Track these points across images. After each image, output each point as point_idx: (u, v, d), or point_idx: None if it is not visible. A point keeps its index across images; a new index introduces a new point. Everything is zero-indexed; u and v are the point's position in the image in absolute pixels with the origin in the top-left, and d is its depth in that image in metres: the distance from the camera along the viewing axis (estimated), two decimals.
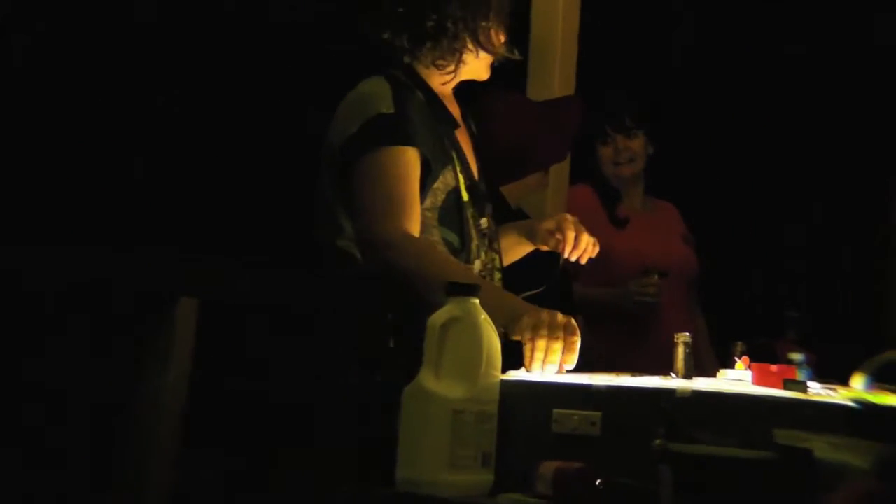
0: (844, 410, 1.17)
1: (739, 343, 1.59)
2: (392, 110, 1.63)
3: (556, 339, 1.45)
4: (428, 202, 1.65)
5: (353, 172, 1.61)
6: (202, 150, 2.60)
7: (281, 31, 2.73)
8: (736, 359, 1.54)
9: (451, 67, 1.71)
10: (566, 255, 1.76)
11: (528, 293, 1.67)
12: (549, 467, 1.29)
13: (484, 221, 1.75)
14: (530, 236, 1.85)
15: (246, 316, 2.18)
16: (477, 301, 1.38)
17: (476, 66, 1.75)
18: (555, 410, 1.35)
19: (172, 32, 2.62)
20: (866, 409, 1.15)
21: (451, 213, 1.67)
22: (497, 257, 1.79)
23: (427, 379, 1.34)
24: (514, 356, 1.49)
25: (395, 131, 1.61)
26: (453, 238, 1.68)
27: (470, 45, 1.70)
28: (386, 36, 1.70)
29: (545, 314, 1.48)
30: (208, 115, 2.64)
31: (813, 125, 3.11)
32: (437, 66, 1.71)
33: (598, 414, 1.32)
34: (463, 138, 1.78)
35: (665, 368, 1.53)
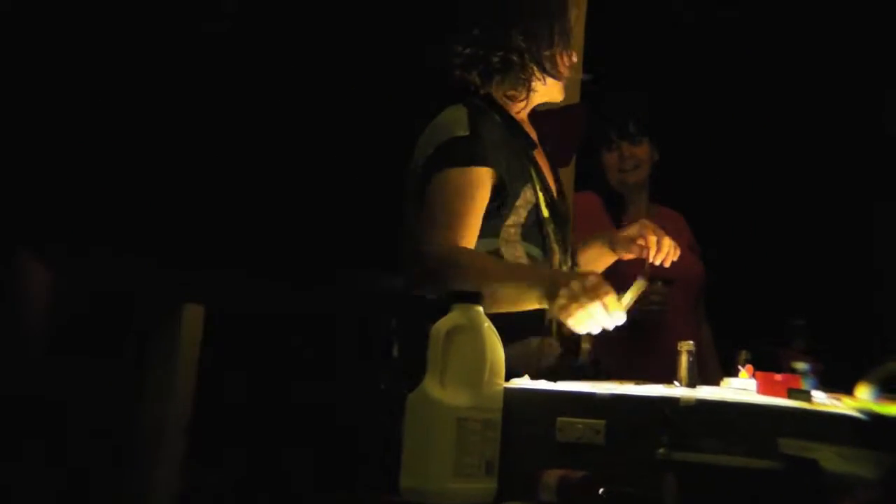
0: (850, 421, 1.17)
1: (744, 351, 1.59)
2: (466, 133, 1.70)
3: (594, 300, 1.52)
4: (511, 219, 1.72)
5: (425, 193, 1.69)
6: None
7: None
8: (740, 367, 1.54)
9: (523, 96, 1.78)
10: (651, 260, 1.78)
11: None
12: (552, 475, 1.29)
13: (565, 238, 1.82)
14: (612, 246, 1.89)
15: (257, 323, 2.19)
16: (481, 309, 1.38)
17: (547, 91, 1.82)
18: (559, 419, 1.35)
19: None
20: (873, 419, 1.14)
21: (532, 229, 1.74)
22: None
23: (431, 386, 1.34)
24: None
25: (466, 152, 1.68)
26: (536, 252, 1.74)
27: (537, 74, 1.77)
28: (457, 73, 1.76)
29: (574, 284, 1.54)
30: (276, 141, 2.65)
31: (818, 133, 3.11)
32: (509, 98, 1.79)
33: (602, 422, 1.32)
34: (541, 159, 1.84)
35: (669, 377, 1.53)
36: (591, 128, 2.66)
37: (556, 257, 1.76)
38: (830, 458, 1.06)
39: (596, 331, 1.55)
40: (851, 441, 1.12)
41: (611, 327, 1.55)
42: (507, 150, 1.73)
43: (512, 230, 1.71)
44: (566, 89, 1.85)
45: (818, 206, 3.10)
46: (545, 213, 1.77)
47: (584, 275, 1.57)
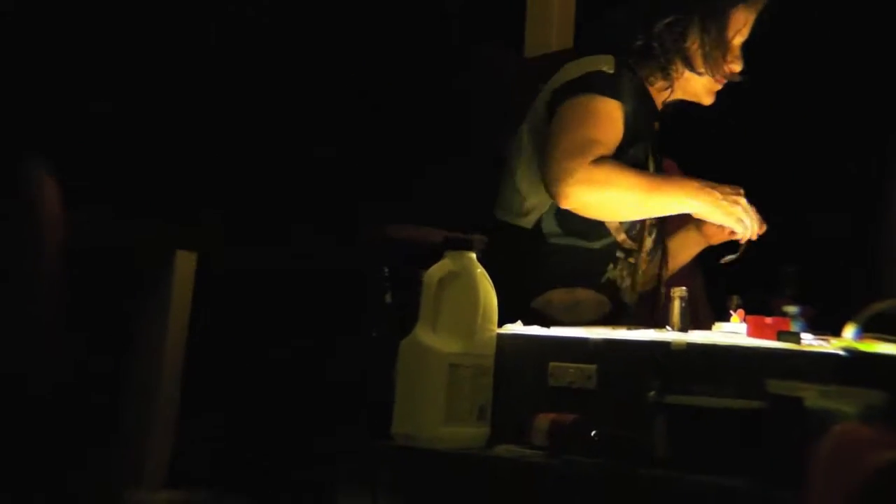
0: (834, 359, 1.18)
1: (735, 297, 1.59)
2: (612, 71, 1.71)
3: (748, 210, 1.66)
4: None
5: (560, 111, 1.69)
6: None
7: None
8: (732, 312, 1.55)
9: (664, 84, 1.78)
10: (745, 240, 1.77)
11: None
12: (544, 419, 1.31)
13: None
14: (699, 233, 1.92)
15: (246, 276, 2.19)
16: (473, 255, 1.38)
17: (693, 88, 1.80)
18: (551, 364, 1.36)
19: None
20: (853, 357, 1.16)
21: None
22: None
23: (424, 333, 1.35)
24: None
25: (610, 86, 1.69)
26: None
27: (680, 66, 1.76)
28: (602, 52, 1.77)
29: (744, 202, 1.67)
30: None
31: (809, 80, 3.08)
32: (648, 83, 1.78)
33: (594, 367, 1.33)
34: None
35: (662, 322, 1.54)
36: None
37: (647, 223, 1.78)
38: (815, 397, 1.08)
39: (740, 228, 1.67)
40: (835, 379, 1.14)
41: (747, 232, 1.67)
42: (638, 106, 1.73)
43: None
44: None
45: (810, 152, 3.08)
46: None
47: (738, 192, 1.66)
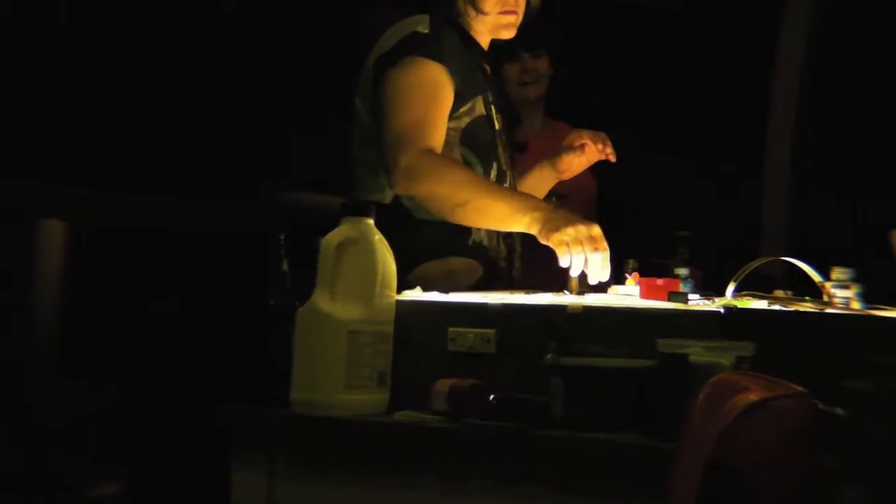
0: (714, 316, 1.24)
1: (631, 261, 1.63)
2: (427, 31, 1.69)
3: (595, 251, 1.53)
4: (452, 123, 1.70)
5: (385, 84, 1.67)
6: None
7: None
8: (627, 275, 1.59)
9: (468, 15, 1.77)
10: (597, 150, 1.85)
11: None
12: (444, 384, 1.31)
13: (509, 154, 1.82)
14: (555, 165, 1.94)
15: (132, 241, 2.13)
16: (371, 221, 1.37)
17: (489, 26, 1.79)
18: (450, 329, 1.37)
19: None
20: (729, 313, 1.22)
21: (476, 139, 1.73)
22: None
23: (322, 300, 1.33)
24: None
25: (427, 46, 1.67)
26: (473, 159, 1.73)
27: (467, 8, 1.77)
28: None
29: (582, 227, 1.54)
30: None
31: (702, 43, 3.17)
32: (469, 28, 1.77)
33: (493, 332, 1.35)
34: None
35: (560, 286, 1.56)
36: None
37: (495, 170, 1.76)
38: (698, 352, 1.12)
39: (563, 262, 1.54)
40: (715, 334, 1.19)
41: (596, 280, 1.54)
42: (463, 58, 1.72)
43: (452, 133, 1.70)
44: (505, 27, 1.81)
45: (705, 122, 3.18)
46: (497, 125, 1.78)
47: (586, 222, 1.55)
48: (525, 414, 1.26)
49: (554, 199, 2.45)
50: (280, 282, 1.43)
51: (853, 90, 3.01)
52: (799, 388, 0.91)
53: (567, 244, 1.52)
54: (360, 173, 1.74)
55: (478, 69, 1.78)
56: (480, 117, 1.75)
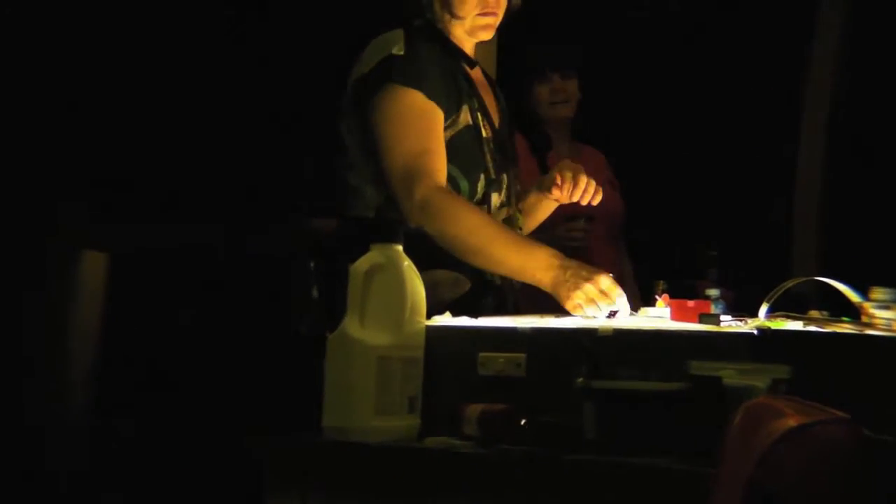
0: (747, 338, 1.22)
1: (660, 282, 1.62)
2: (402, 52, 1.68)
3: (609, 304, 1.53)
4: None
5: (371, 114, 1.66)
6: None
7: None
8: (657, 297, 1.58)
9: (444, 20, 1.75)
10: (568, 198, 1.76)
11: None
12: (474, 409, 1.31)
13: (503, 162, 1.78)
14: (539, 188, 1.88)
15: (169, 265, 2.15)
16: (400, 248, 1.38)
17: (467, 28, 1.76)
18: (480, 354, 1.36)
19: None
20: (763, 334, 1.21)
21: (461, 150, 1.70)
22: (520, 217, 1.84)
23: (351, 326, 1.33)
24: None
25: (405, 71, 1.66)
26: (457, 173, 1.71)
27: (441, 12, 1.75)
28: None
29: (590, 286, 1.53)
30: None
31: (732, 71, 3.16)
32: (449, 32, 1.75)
33: (523, 356, 1.34)
34: (485, 92, 1.81)
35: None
36: (523, 60, 2.66)
37: (487, 179, 1.73)
38: (732, 375, 1.11)
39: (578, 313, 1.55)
40: (749, 357, 1.18)
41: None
42: (443, 71, 1.71)
43: None
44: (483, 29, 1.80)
45: (732, 143, 3.17)
46: (484, 133, 1.75)
47: (598, 274, 1.54)
48: (557, 438, 1.25)
49: (582, 221, 2.45)
50: (310, 308, 1.43)
51: (887, 105, 2.99)
52: (840, 413, 0.89)
53: (582, 307, 1.53)
54: (350, 197, 1.73)
55: (461, 76, 1.75)
56: (465, 128, 1.72)
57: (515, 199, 1.83)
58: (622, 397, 1.21)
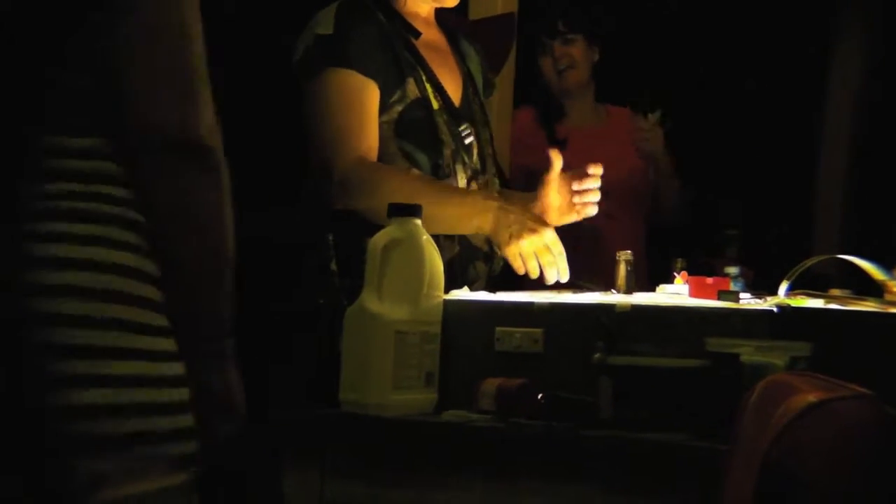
0: (766, 315, 1.22)
1: (679, 260, 1.62)
2: (329, 31, 1.63)
3: (551, 260, 1.51)
4: (384, 117, 1.65)
5: (304, 101, 1.63)
6: None
7: None
8: (675, 274, 1.57)
9: None
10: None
11: None
12: (491, 384, 1.31)
13: (465, 128, 1.72)
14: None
15: None
16: (419, 222, 1.38)
17: None
18: (497, 328, 1.37)
19: None
20: (783, 312, 1.20)
21: (414, 125, 1.65)
22: (497, 181, 1.78)
23: (369, 300, 1.34)
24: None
25: (331, 52, 1.62)
26: (410, 148, 1.66)
27: None
28: None
29: (535, 237, 1.51)
30: None
31: (760, 47, 3.12)
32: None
33: (540, 331, 1.34)
34: (435, 54, 1.74)
35: (608, 285, 1.55)
36: (526, 34, 2.63)
37: (449, 150, 1.68)
38: (750, 352, 1.11)
39: (515, 263, 1.53)
40: (767, 334, 1.17)
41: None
42: (383, 45, 1.65)
43: (385, 127, 1.63)
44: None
45: (757, 120, 3.13)
46: (434, 104, 1.68)
47: (543, 226, 1.51)
48: (573, 414, 1.26)
49: None
50: (328, 282, 1.44)
51: None
52: (861, 389, 0.88)
53: (521, 257, 1.50)
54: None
55: (402, 47, 1.68)
56: (415, 101, 1.66)
57: (492, 163, 1.77)
58: (639, 373, 1.21)
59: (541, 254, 1.52)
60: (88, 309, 0.85)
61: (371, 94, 1.62)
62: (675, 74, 3.13)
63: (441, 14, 1.82)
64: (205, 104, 0.95)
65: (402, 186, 1.56)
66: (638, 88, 2.72)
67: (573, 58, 2.59)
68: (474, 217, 1.56)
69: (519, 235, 1.52)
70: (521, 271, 1.55)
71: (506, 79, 2.50)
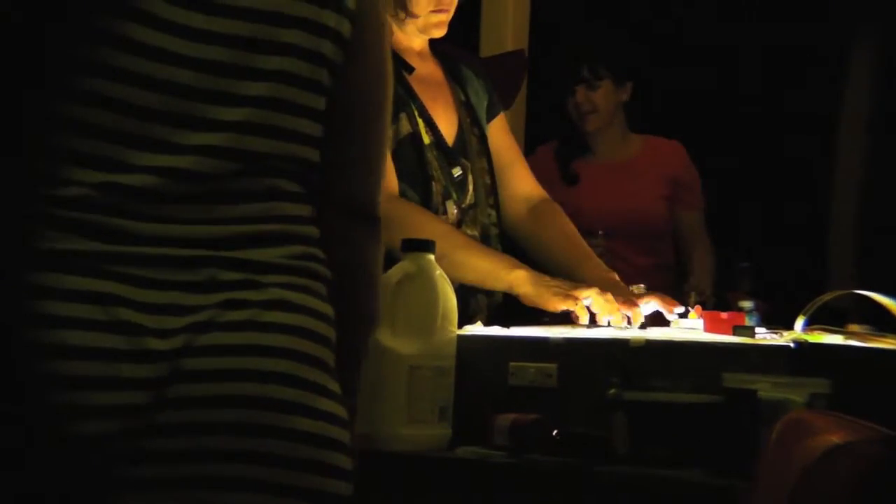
0: (784, 351, 1.21)
1: (693, 293, 1.62)
2: None
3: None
4: None
5: None
6: None
7: None
8: (689, 309, 1.57)
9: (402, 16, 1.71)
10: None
11: None
12: (505, 419, 1.31)
13: (456, 170, 1.73)
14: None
15: None
16: (432, 257, 1.38)
17: (420, 24, 1.72)
18: (511, 363, 1.36)
19: None
20: (801, 348, 1.19)
21: (405, 160, 1.65)
22: (493, 213, 1.78)
23: (383, 335, 1.34)
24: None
25: None
26: (402, 186, 1.66)
27: (396, 11, 1.70)
28: None
29: (549, 280, 1.53)
30: None
31: (779, 81, 3.14)
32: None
33: (554, 366, 1.34)
34: (435, 92, 1.75)
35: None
36: (555, 75, 2.65)
37: (439, 185, 1.68)
38: (767, 388, 1.10)
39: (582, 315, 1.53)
40: (785, 370, 1.16)
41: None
42: None
43: None
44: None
45: (772, 155, 3.14)
46: (426, 139, 1.68)
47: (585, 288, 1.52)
48: (588, 450, 1.25)
49: (601, 236, 2.39)
50: None
51: None
52: (885, 430, 0.86)
53: (589, 307, 1.49)
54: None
55: (396, 81, 1.64)
56: (406, 136, 1.67)
57: (486, 194, 1.77)
58: (654, 409, 1.21)
59: (607, 301, 1.51)
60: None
61: None
62: (691, 107, 3.14)
63: (447, 47, 1.83)
64: (384, 177, 1.10)
65: (445, 231, 1.58)
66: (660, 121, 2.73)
67: (595, 104, 2.61)
68: (504, 273, 1.56)
69: (568, 291, 1.52)
70: (584, 320, 1.53)
71: (517, 111, 2.51)
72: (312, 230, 1.01)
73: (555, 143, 2.67)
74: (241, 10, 0.95)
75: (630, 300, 1.54)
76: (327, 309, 0.99)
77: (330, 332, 0.99)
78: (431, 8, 1.70)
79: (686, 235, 2.69)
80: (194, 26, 0.93)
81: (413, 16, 1.70)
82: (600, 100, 2.63)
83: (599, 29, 2.82)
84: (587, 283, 1.60)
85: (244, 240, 0.94)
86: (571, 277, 1.65)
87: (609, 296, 1.52)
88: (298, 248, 0.98)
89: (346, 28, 1.00)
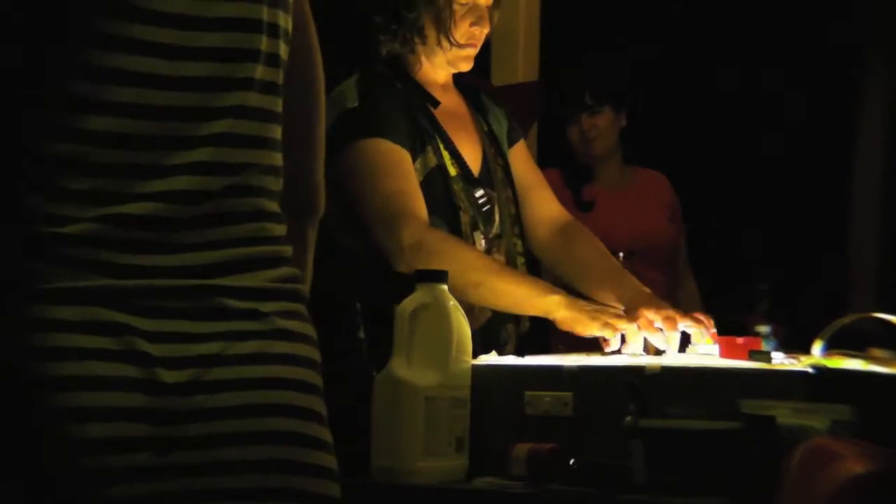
0: (803, 377, 1.19)
1: (708, 317, 1.60)
2: (356, 104, 1.65)
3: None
4: None
5: (339, 172, 1.59)
6: None
7: None
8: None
9: (412, 59, 1.72)
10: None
11: None
12: (522, 449, 1.30)
13: (482, 200, 1.73)
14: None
15: None
16: (445, 287, 1.38)
17: (447, 59, 1.73)
18: (527, 393, 1.36)
19: None
20: (820, 373, 1.18)
21: (432, 192, 1.66)
22: (519, 242, 1.78)
23: (398, 366, 1.34)
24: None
25: (366, 125, 1.64)
26: (431, 218, 1.65)
27: (415, 39, 1.70)
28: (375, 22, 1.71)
29: (585, 304, 1.55)
30: None
31: (792, 104, 3.13)
32: (412, 68, 1.73)
33: (570, 394, 1.33)
34: (452, 119, 1.76)
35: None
36: (553, 103, 2.67)
37: (468, 215, 1.69)
38: (786, 414, 1.09)
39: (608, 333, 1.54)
40: (804, 396, 1.15)
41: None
42: (404, 114, 1.65)
43: None
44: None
45: (787, 173, 3.13)
46: (452, 171, 1.69)
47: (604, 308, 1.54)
48: (606, 478, 1.24)
49: (621, 255, 2.40)
50: (356, 349, 1.44)
51: None
52: None
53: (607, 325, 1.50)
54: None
55: (422, 115, 1.70)
56: (433, 169, 1.67)
57: (511, 224, 1.77)
58: (672, 436, 1.20)
59: (615, 323, 1.52)
60: None
61: (408, 159, 1.64)
62: (700, 136, 3.14)
63: (463, 76, 1.84)
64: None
65: (480, 259, 1.59)
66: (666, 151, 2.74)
67: (599, 129, 2.63)
68: (540, 298, 1.56)
69: (607, 319, 1.52)
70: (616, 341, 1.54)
71: (529, 143, 2.52)
72: (290, 249, 1.00)
73: (555, 171, 2.69)
74: (212, 22, 0.93)
75: (672, 318, 1.53)
76: (314, 332, 1.00)
77: (318, 356, 1.00)
78: (464, 40, 1.71)
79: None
80: (172, 43, 0.92)
81: (457, 45, 1.70)
82: (604, 124, 2.64)
83: (598, 56, 2.83)
84: (628, 298, 1.60)
85: (241, 264, 0.94)
86: (611, 294, 1.65)
87: (652, 327, 1.51)
88: (286, 270, 0.98)
89: (290, 25, 1.00)
